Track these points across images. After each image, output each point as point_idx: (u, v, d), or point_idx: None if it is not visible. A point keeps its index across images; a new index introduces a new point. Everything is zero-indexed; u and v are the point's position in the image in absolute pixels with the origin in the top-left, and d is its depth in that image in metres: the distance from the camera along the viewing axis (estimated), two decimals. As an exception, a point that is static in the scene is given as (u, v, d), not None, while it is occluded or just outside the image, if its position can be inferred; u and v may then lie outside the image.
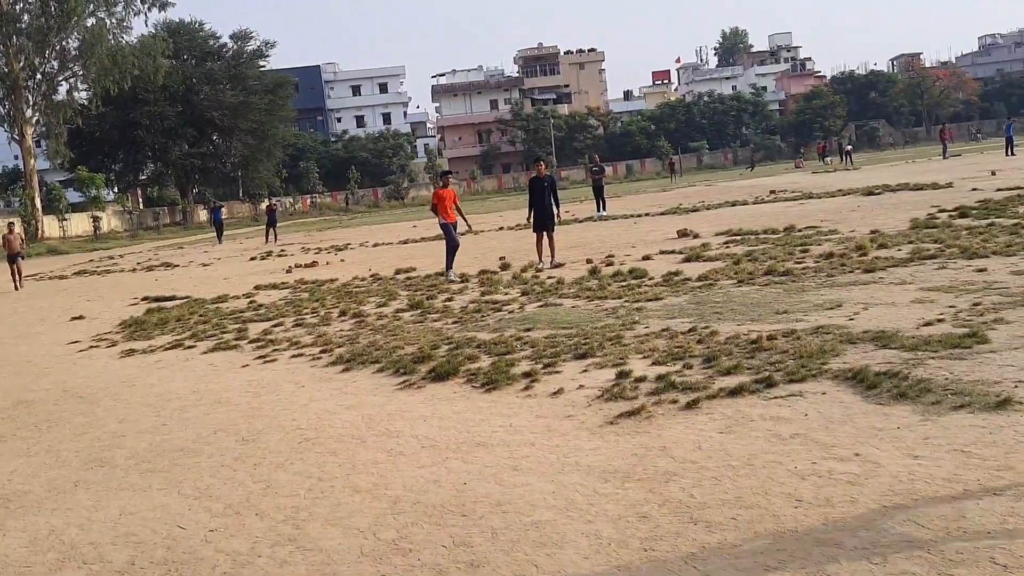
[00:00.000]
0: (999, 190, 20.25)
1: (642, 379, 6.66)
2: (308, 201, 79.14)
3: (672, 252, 15.15)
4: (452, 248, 15.21)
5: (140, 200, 74.00)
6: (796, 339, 7.38)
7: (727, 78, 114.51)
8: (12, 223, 25.48)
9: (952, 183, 24.86)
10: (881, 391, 5.73)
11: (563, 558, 3.89)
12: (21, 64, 52.46)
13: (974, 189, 21.70)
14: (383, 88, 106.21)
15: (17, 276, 22.96)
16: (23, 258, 23.76)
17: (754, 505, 4.23)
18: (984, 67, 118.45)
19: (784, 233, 16.02)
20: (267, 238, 35.35)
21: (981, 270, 9.85)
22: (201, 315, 13.46)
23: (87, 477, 5.82)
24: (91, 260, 34.50)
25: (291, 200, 75.89)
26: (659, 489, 4.56)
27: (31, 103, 53.81)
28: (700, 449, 5.08)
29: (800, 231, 16.13)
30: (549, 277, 13.52)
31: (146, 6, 56.31)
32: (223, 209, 46.24)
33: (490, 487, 4.88)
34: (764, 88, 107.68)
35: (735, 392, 6.04)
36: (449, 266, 15.06)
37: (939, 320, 7.58)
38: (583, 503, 4.49)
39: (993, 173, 27.38)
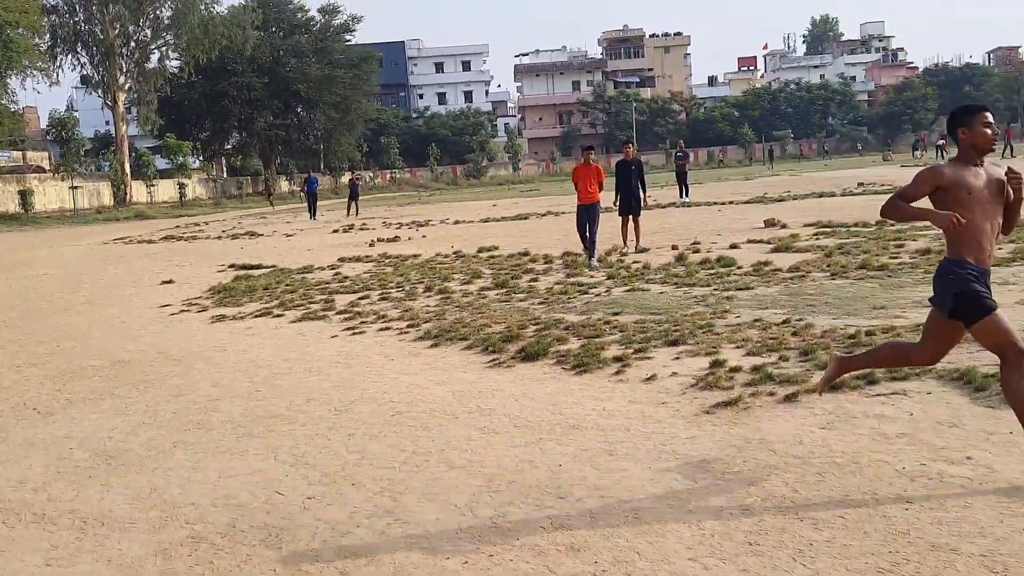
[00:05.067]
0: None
1: (737, 369, 6.53)
2: (388, 176, 79.91)
3: (760, 241, 14.87)
4: (580, 233, 13.94)
5: (224, 169, 75.54)
6: (896, 336, 7.16)
7: (815, 66, 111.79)
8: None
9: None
10: (990, 393, 5.52)
11: (666, 547, 3.83)
12: (116, 31, 53.87)
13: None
14: (466, 66, 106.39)
15: None
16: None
17: (862, 504, 4.11)
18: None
19: (876, 227, 15.58)
20: (348, 211, 35.80)
21: (1092, 274, 9.45)
22: (288, 285, 13.68)
23: (185, 438, 5.95)
24: (177, 226, 35.35)
25: (371, 175, 76.67)
26: (761, 483, 4.47)
27: (124, 70, 55.27)
28: (802, 444, 4.96)
29: (893, 225, 15.67)
30: (634, 262, 13.39)
31: (238, -23, 57.38)
32: (318, 180, 41.44)
33: (586, 470, 4.84)
34: (853, 78, 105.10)
35: (835, 387, 5.85)
36: (591, 252, 13.63)
37: (1049, 323, 7.28)
38: (683, 492, 4.42)
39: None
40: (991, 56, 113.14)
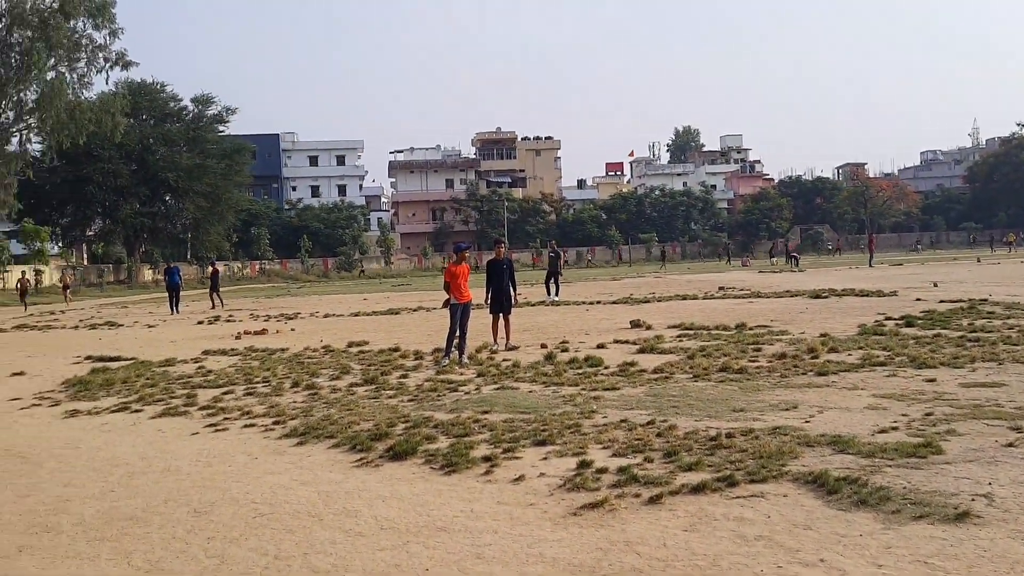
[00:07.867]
0: (942, 301, 20.82)
1: (603, 470, 6.64)
2: (257, 267, 78.66)
3: (626, 342, 15.26)
4: (452, 332, 13.78)
5: (85, 256, 72.81)
6: (755, 438, 7.43)
7: (678, 174, 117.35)
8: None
9: (896, 292, 25.53)
10: (842, 496, 5.78)
11: (532, 653, 3.82)
12: (-25, 112, 51.81)
13: (918, 299, 22.27)
14: (340, 160, 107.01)
15: None
16: None
17: (723, 607, 4.21)
18: (925, 181, 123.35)
19: (736, 330, 16.25)
20: (212, 302, 34.91)
21: (931, 380, 10.06)
22: (148, 378, 13.18)
23: (31, 542, 5.60)
24: (31, 314, 33.69)
25: (239, 265, 75.33)
26: (626, 585, 4.52)
27: (-18, 152, 52.96)
28: (666, 546, 5.06)
29: (751, 329, 16.38)
30: (504, 360, 13.51)
31: (108, 64, 56.20)
32: (180, 270, 36.56)
33: (454, 575, 4.80)
34: (714, 186, 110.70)
35: (697, 489, 6.05)
36: (447, 351, 13.77)
37: (893, 428, 7.70)
38: (550, 596, 4.43)
39: (935, 284, 28.21)
40: (840, 171, 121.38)
